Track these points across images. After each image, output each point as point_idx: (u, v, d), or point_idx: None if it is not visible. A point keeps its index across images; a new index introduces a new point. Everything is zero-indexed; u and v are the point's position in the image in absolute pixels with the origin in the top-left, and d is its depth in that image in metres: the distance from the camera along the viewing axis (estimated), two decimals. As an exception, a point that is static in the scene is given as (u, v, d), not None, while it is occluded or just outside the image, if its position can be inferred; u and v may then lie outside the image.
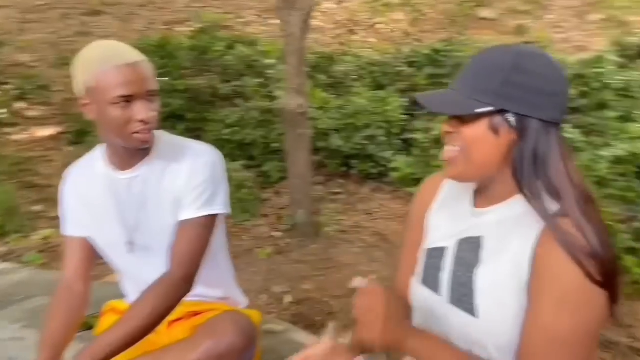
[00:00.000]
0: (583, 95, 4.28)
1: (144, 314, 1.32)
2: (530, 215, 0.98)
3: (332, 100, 4.34)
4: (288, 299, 2.77)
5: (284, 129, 4.02)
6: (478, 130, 0.99)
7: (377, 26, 7.21)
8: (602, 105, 4.16)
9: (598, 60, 4.34)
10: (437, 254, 1.12)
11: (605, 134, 3.79)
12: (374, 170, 4.00)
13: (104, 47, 1.32)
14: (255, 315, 1.62)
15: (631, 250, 2.77)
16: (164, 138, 1.47)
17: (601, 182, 3.26)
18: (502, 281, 1.00)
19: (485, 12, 7.08)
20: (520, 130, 0.96)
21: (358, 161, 4.03)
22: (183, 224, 1.40)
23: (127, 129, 1.30)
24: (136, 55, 1.32)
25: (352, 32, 7.10)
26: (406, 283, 1.23)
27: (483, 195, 1.08)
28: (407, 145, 4.14)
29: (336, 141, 3.97)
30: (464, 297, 1.04)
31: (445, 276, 1.09)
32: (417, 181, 3.82)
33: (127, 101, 1.27)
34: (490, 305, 1.00)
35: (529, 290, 0.97)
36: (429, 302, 1.12)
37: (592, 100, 4.23)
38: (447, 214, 1.15)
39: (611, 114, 4.00)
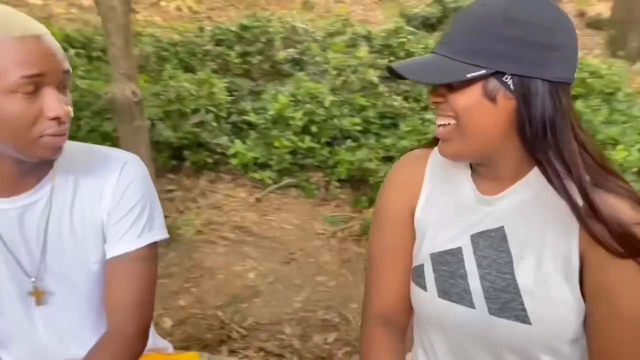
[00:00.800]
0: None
1: None
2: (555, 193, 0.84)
3: (149, 86, 3.81)
4: (167, 322, 2.34)
5: (96, 123, 3.42)
6: (470, 98, 0.83)
7: (160, 4, 6.63)
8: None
9: (398, 31, 4.60)
10: (451, 258, 0.94)
11: (421, 99, 4.05)
12: (210, 160, 3.64)
13: None
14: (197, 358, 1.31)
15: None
16: (68, 145, 1.04)
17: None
18: (549, 277, 0.86)
19: (271, -12, 7.04)
20: (522, 94, 0.81)
21: (190, 152, 3.63)
22: (120, 261, 1.06)
23: (32, 131, 0.90)
24: (40, 26, 0.91)
25: (132, 11, 6.39)
26: (395, 299, 1.02)
27: (488, 176, 0.92)
28: (238, 129, 3.87)
29: (164, 132, 3.50)
30: (510, 304, 0.88)
31: (475, 283, 0.90)
32: (261, 166, 3.60)
33: (33, 89, 0.88)
34: (542, 307, 0.86)
35: (587, 289, 0.85)
36: (459, 318, 0.92)
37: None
38: (443, 206, 0.97)
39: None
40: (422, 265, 0.97)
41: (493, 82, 0.81)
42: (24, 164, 0.96)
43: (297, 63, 4.55)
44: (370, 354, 1.03)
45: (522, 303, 0.86)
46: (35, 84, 0.88)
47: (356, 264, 2.81)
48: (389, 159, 3.42)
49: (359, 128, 3.70)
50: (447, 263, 0.94)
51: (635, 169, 3.15)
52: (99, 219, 1.06)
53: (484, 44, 0.81)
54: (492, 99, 0.82)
